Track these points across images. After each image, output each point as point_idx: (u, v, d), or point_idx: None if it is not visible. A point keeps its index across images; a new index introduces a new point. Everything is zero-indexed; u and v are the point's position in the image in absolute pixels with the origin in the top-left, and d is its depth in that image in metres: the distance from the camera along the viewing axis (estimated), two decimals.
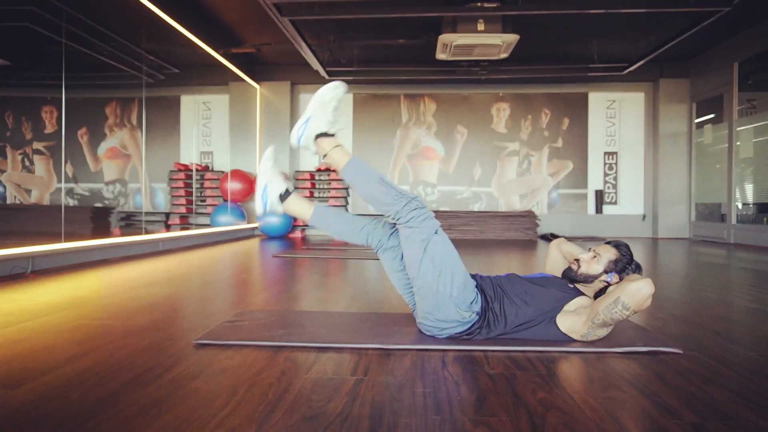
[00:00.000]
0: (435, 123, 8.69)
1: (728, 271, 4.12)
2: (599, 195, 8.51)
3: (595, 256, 1.91)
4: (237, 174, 7.76)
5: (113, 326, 2.02)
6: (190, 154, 8.52)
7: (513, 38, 5.47)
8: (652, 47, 6.66)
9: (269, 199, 2.02)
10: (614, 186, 8.57)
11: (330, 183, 8.26)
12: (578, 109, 8.56)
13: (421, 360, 1.63)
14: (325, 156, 1.96)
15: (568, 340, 1.79)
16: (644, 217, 8.50)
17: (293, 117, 8.50)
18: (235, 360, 1.60)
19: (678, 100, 8.20)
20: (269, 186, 2.02)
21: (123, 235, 7.25)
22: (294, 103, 8.59)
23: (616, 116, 8.54)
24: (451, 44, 5.61)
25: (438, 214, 8.10)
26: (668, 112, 8.22)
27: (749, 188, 7.13)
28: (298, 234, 8.21)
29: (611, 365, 1.58)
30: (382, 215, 1.92)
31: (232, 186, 7.63)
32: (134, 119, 8.32)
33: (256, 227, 7.83)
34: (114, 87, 8.05)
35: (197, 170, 8.21)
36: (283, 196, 2.03)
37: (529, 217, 8.08)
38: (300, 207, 2.06)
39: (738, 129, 7.11)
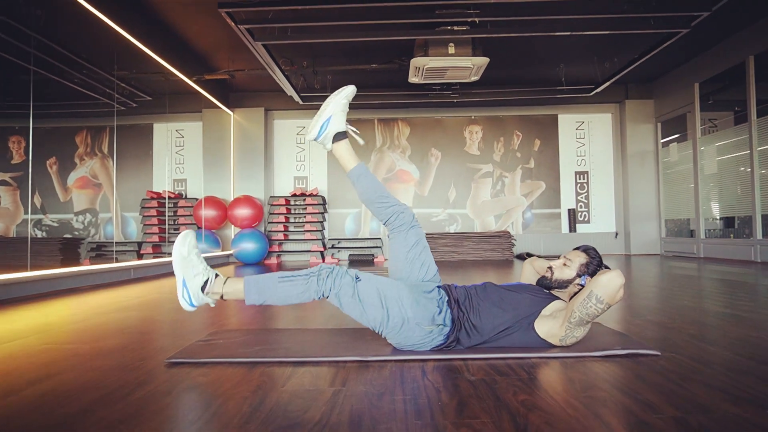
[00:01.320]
0: (409, 146, 8.77)
1: (699, 281, 4.20)
2: (572, 214, 8.66)
3: (565, 263, 1.93)
4: (211, 201, 7.67)
5: (81, 349, 1.94)
6: (163, 182, 8.42)
7: (483, 61, 5.60)
8: (616, 69, 6.89)
9: (328, 130, 1.98)
10: (586, 205, 8.73)
11: (306, 208, 8.23)
12: (549, 131, 8.76)
13: (401, 370, 1.60)
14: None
15: (547, 346, 1.79)
16: (616, 234, 8.65)
17: (267, 143, 8.50)
18: (209, 377, 1.54)
19: (643, 120, 8.47)
20: (333, 119, 1.98)
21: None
22: (268, 129, 8.59)
23: (585, 137, 8.76)
24: (423, 67, 5.71)
25: None
26: (635, 132, 8.47)
27: (715, 204, 7.34)
28: (273, 260, 8.11)
29: (591, 368, 1.58)
30: (404, 204, 2.04)
31: (206, 213, 7.53)
32: (105, 148, 8.20)
33: (231, 254, 7.71)
34: (84, 115, 7.94)
35: (170, 198, 8.10)
36: (338, 137, 2.00)
37: (504, 237, 8.15)
38: (347, 154, 2.02)
39: (701, 148, 7.36)
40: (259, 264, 7.57)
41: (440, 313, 1.80)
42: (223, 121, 8.31)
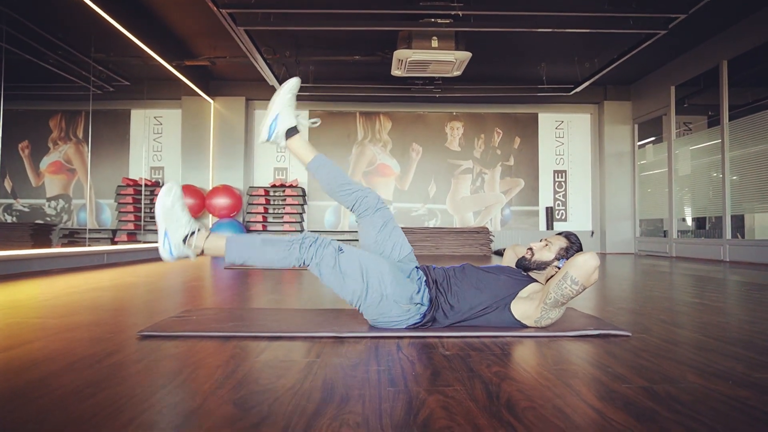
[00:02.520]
0: (390, 141, 8.78)
1: (670, 276, 4.30)
2: (550, 212, 8.76)
3: (546, 245, 1.95)
4: (188, 189, 7.57)
5: (49, 323, 1.89)
6: (139, 170, 8.27)
7: (465, 56, 5.63)
8: (596, 69, 6.99)
9: (277, 129, 1.96)
10: (564, 203, 8.85)
11: (285, 199, 8.17)
12: (529, 129, 8.85)
13: (376, 345, 1.60)
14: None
15: (521, 326, 1.81)
16: (592, 233, 8.79)
17: (248, 133, 8.41)
18: (180, 349, 1.52)
19: (621, 121, 8.62)
20: (281, 116, 1.96)
21: None
22: (249, 119, 8.51)
23: (564, 136, 8.87)
24: (406, 60, 5.71)
25: None
26: (612, 133, 8.61)
27: (687, 205, 7.50)
28: None
29: (564, 346, 1.60)
30: (367, 188, 2.00)
31: (186, 201, 7.41)
32: (80, 133, 8.03)
33: None
34: (59, 98, 7.76)
35: (147, 186, 7.96)
36: (290, 133, 1.98)
37: (483, 233, 8.21)
38: (302, 149, 2.00)
39: (676, 151, 7.51)
40: None
41: (418, 292, 1.81)
42: (203, 109, 8.20)
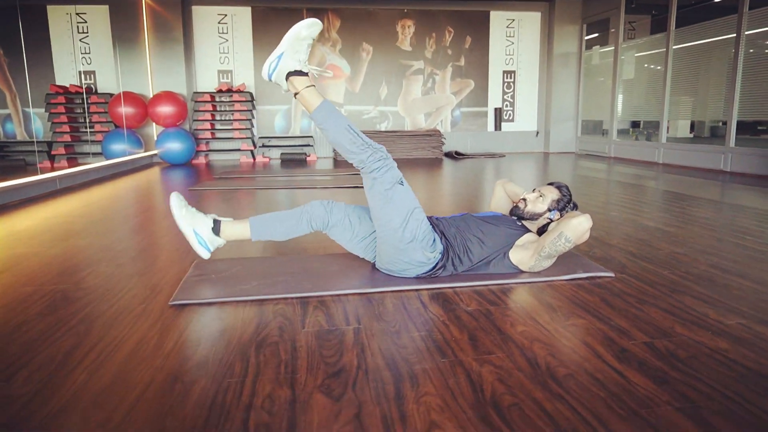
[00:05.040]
0: (340, 40, 8.41)
1: (617, 187, 4.68)
2: (498, 113, 8.95)
3: (540, 196, 2.13)
4: (128, 97, 7.07)
5: (68, 290, 1.91)
6: (67, 75, 7.56)
7: None
8: None
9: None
10: (512, 104, 9.03)
11: (233, 105, 7.83)
12: (480, 28, 8.71)
13: (401, 302, 1.76)
14: (296, 95, 1.91)
15: (517, 271, 2.02)
16: (537, 133, 9.13)
17: (186, 34, 7.77)
18: (226, 321, 1.62)
19: (570, 21, 8.63)
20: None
21: None
22: (186, 18, 7.81)
23: (514, 35, 8.82)
24: None
25: None
26: (562, 33, 8.65)
27: (628, 107, 7.89)
28: (201, 160, 7.82)
29: (563, 293, 1.83)
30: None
31: (127, 110, 6.96)
32: None
33: (155, 154, 7.31)
34: None
35: (80, 93, 7.35)
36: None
37: (435, 136, 8.34)
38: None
39: (622, 56, 7.71)
40: (187, 165, 7.28)
41: (437, 242, 1.96)
42: (133, 5, 7.41)
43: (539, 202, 2.11)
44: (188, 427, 1.05)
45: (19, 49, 7.32)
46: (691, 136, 7.44)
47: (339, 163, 7.44)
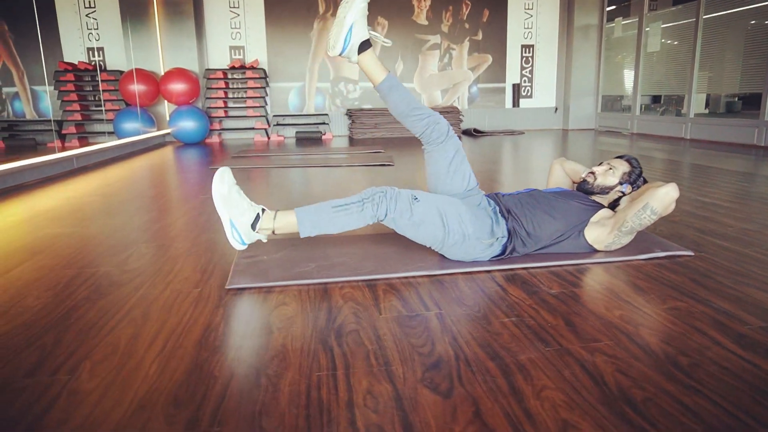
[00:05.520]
0: None
1: (655, 163, 4.52)
2: (516, 89, 8.73)
3: (610, 168, 1.98)
4: (139, 74, 6.88)
5: (111, 275, 1.79)
6: (75, 51, 7.37)
7: None
8: None
9: (352, 41, 1.79)
10: (530, 79, 8.80)
11: (246, 82, 7.63)
12: (498, 0, 8.43)
13: (475, 284, 1.64)
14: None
15: (592, 251, 1.89)
16: (556, 109, 8.92)
17: (197, 8, 7.51)
18: (290, 306, 1.49)
19: None
20: (356, 27, 1.78)
21: (7, 148, 6.31)
22: None
23: (533, 8, 8.55)
24: None
25: (361, 112, 7.90)
26: (582, 4, 8.36)
27: (653, 82, 7.66)
28: (215, 139, 7.65)
29: (646, 273, 1.70)
30: (438, 114, 1.93)
31: (138, 88, 6.77)
32: None
33: (168, 133, 7.14)
34: None
35: (89, 70, 7.16)
36: (363, 47, 1.82)
37: (453, 112, 8.14)
38: (374, 64, 1.85)
39: (647, 28, 7.45)
40: (201, 144, 7.12)
41: (497, 224, 1.82)
42: None
43: (609, 174, 1.97)
44: (289, 428, 0.93)
45: (28, 25, 7.11)
46: (706, 111, 7.22)
47: (355, 141, 7.27)
